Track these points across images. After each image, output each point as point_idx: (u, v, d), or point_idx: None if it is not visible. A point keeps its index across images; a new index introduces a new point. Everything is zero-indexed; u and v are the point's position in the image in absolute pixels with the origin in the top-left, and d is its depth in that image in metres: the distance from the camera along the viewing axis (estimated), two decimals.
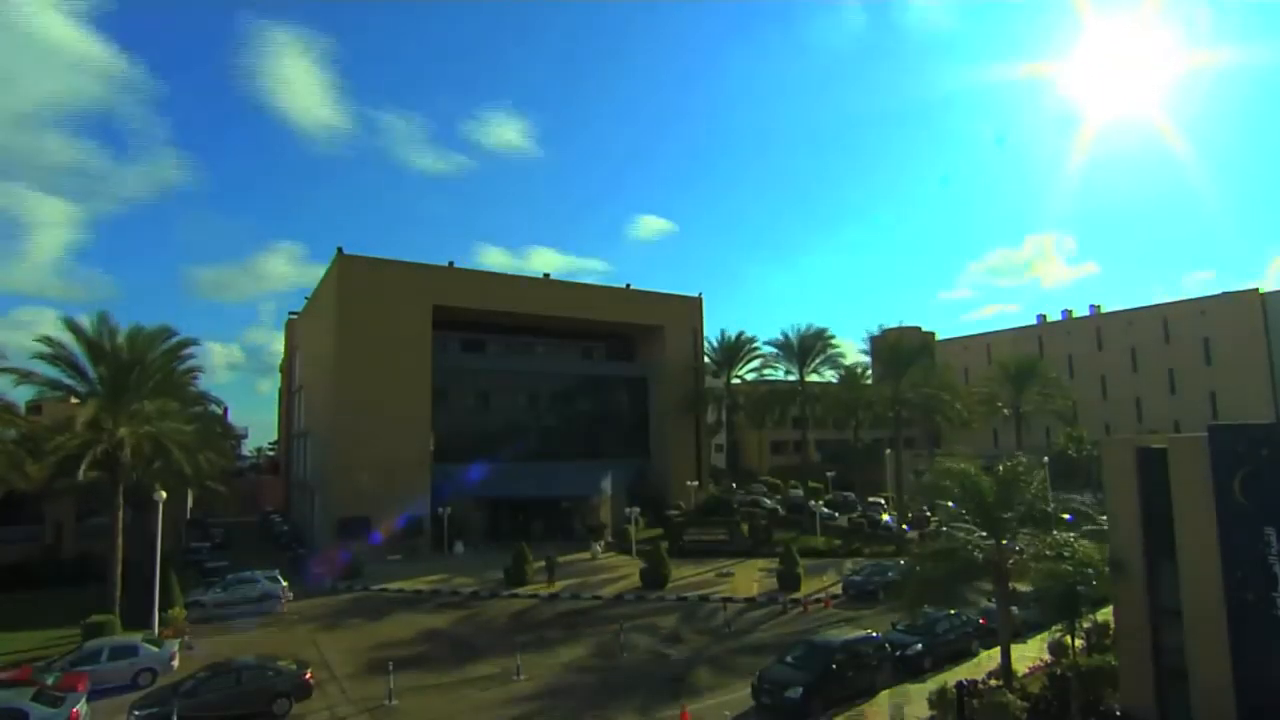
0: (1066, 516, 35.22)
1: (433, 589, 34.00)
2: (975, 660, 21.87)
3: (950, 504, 19.92)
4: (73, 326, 27.67)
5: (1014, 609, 19.44)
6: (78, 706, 17.36)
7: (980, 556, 18.00)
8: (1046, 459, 46.66)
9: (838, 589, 31.75)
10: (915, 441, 70.44)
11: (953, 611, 22.86)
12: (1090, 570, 16.02)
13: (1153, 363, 72.68)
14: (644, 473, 57.66)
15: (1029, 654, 20.84)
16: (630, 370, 61.50)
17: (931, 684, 18.44)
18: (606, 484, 49.11)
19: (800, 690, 17.84)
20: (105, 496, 27.92)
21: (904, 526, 43.93)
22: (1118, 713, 16.10)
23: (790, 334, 55.65)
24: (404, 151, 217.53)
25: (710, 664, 22.75)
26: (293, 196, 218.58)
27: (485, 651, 24.16)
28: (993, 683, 17.51)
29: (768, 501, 58.26)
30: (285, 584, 31.67)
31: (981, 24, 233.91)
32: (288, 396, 71.90)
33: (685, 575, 35.57)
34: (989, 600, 23.15)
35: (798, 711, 17.71)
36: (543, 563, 35.29)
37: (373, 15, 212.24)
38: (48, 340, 27.53)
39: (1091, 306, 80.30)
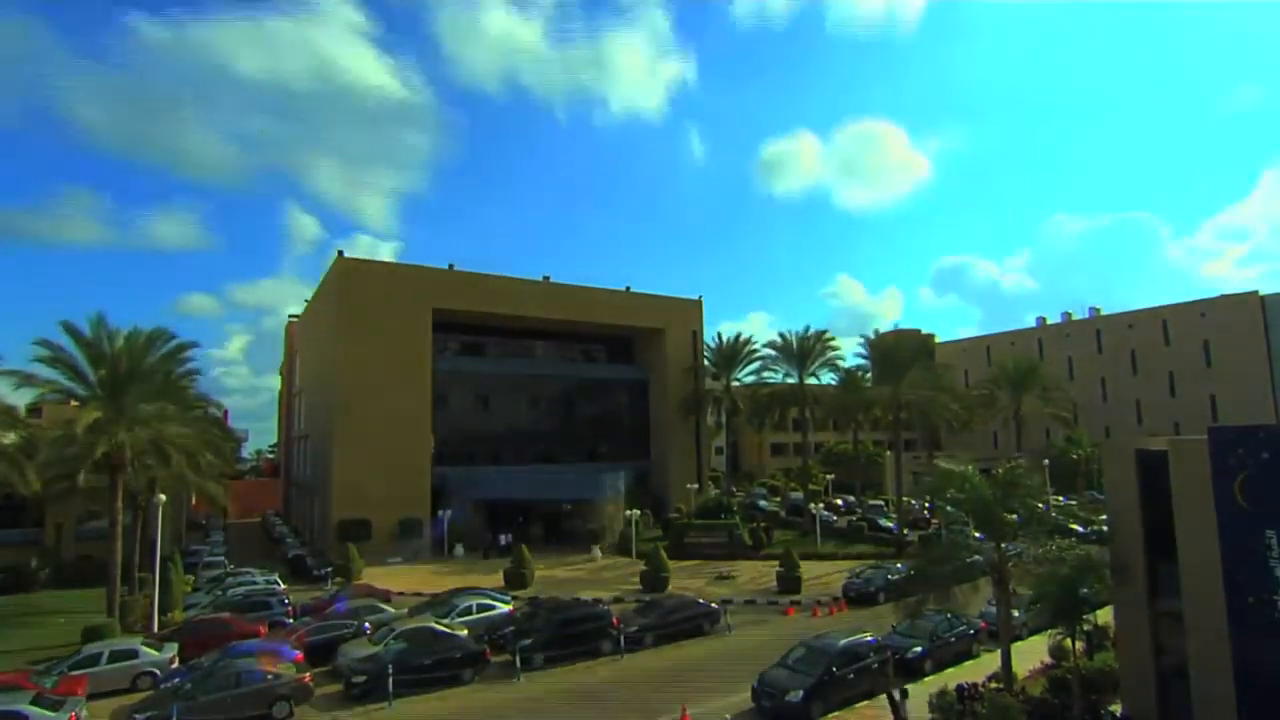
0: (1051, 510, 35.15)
1: (433, 592, 33.92)
2: (976, 662, 21.84)
3: (950, 507, 19.93)
4: (70, 329, 27.65)
5: (1015, 611, 19.42)
6: (77, 710, 17.33)
7: (980, 559, 18.00)
8: (1047, 461, 46.77)
9: (838, 591, 31.71)
10: (915, 444, 70.54)
11: (953, 614, 22.84)
12: (1091, 575, 16.01)
13: (1153, 365, 72.71)
14: (644, 475, 57.62)
15: (1030, 656, 20.81)
16: (630, 373, 61.48)
17: (932, 686, 18.42)
18: (607, 487, 49.09)
19: (800, 693, 17.81)
20: (105, 499, 27.90)
21: (904, 529, 43.86)
22: (1119, 715, 16.07)
23: (790, 336, 55.83)
24: None
25: (709, 666, 22.73)
26: None
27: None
28: (993, 685, 17.48)
29: (766, 504, 58.26)
30: (284, 586, 31.66)
31: None
32: (288, 399, 71.88)
33: (685, 577, 35.53)
34: (990, 603, 23.13)
35: (797, 714, 17.68)
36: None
37: None
38: (46, 343, 27.52)
39: (1090, 309, 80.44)
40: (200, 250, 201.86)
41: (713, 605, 27.48)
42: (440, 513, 43.89)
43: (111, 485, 26.84)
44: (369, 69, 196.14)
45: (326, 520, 43.74)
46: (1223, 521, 13.62)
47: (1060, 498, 48.42)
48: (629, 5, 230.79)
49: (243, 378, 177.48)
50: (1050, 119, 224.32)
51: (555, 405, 57.70)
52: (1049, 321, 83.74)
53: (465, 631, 23.82)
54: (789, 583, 32.52)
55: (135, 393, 27.99)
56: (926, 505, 50.74)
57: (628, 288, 58.51)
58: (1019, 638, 22.55)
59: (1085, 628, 17.84)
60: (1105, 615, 18.27)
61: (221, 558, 42.46)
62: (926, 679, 20.38)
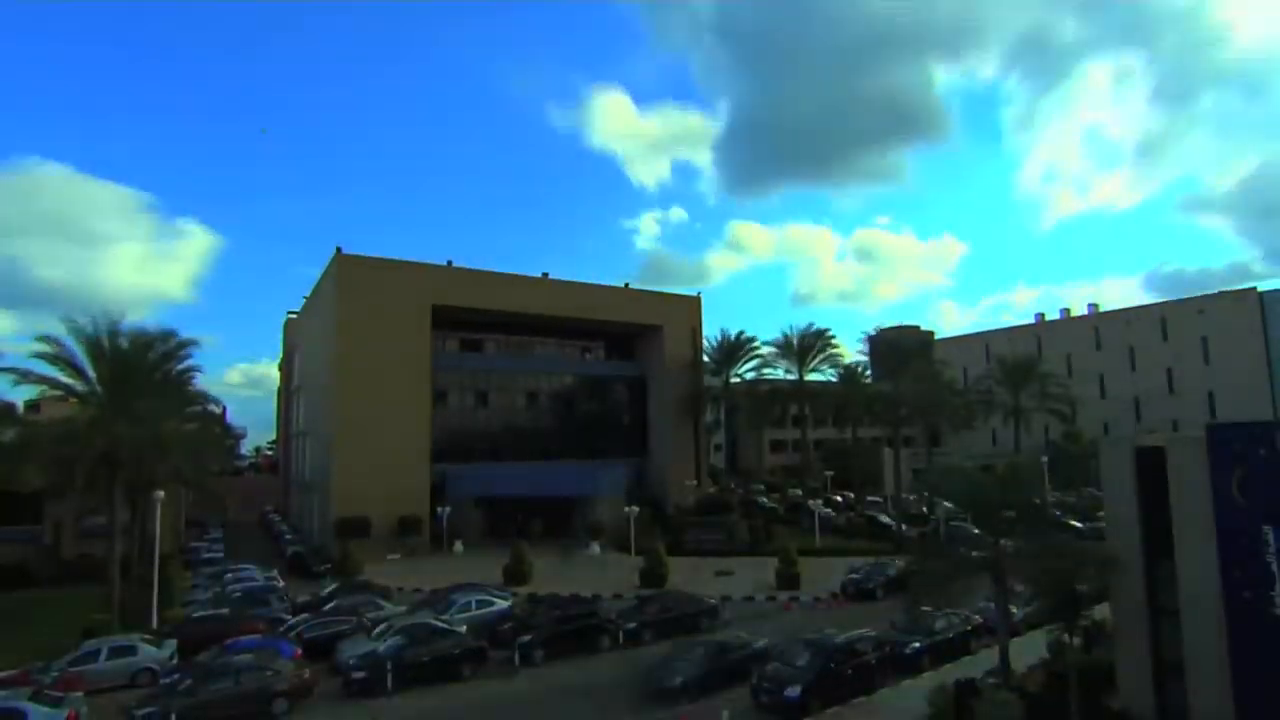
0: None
1: (432, 588, 33.94)
2: (974, 658, 21.86)
3: (949, 503, 19.97)
4: (72, 326, 27.64)
5: (1013, 608, 19.44)
6: (76, 706, 17.35)
7: (979, 555, 18.03)
8: (1045, 458, 46.77)
9: (836, 587, 31.75)
10: (914, 440, 70.53)
11: (951, 610, 22.87)
12: (1089, 571, 16.02)
13: (1151, 362, 72.76)
14: (643, 472, 57.68)
15: (1028, 652, 20.84)
16: (629, 370, 61.48)
17: (930, 682, 18.45)
18: (606, 483, 49.12)
19: (799, 689, 17.84)
20: (104, 496, 27.88)
21: (902, 525, 43.92)
22: (1116, 711, 16.11)
23: (790, 333, 55.85)
24: None
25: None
26: None
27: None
28: (991, 681, 17.50)
29: (765, 500, 58.31)
30: (283, 584, 31.70)
31: None
32: (286, 396, 71.88)
33: (684, 573, 35.54)
34: (988, 599, 23.18)
35: (795, 710, 17.72)
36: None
37: None
38: (47, 339, 27.51)
39: (1090, 305, 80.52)
40: None
41: (711, 602, 27.54)
42: (439, 509, 43.90)
43: (111, 482, 26.82)
44: None
45: (325, 517, 43.75)
46: (1220, 518, 13.64)
47: (1058, 494, 48.56)
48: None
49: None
50: None
51: (554, 402, 57.72)
52: (1047, 318, 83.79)
53: (464, 628, 23.86)
54: (788, 579, 32.55)
55: (134, 390, 27.96)
56: (924, 501, 50.87)
57: (627, 284, 58.57)
58: (1017, 634, 22.56)
59: (1083, 624, 17.89)
60: (1103, 611, 18.28)
61: (220, 554, 42.49)
62: (924, 674, 20.42)
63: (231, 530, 55.39)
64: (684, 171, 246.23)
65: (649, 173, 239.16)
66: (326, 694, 20.18)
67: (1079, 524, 38.06)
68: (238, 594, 28.92)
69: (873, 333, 62.61)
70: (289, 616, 26.73)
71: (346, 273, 45.87)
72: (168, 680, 19.85)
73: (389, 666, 20.07)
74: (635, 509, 42.94)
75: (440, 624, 23.28)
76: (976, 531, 20.08)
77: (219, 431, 42.18)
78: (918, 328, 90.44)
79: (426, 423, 46.48)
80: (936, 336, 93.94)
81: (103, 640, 22.01)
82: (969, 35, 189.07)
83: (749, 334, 59.22)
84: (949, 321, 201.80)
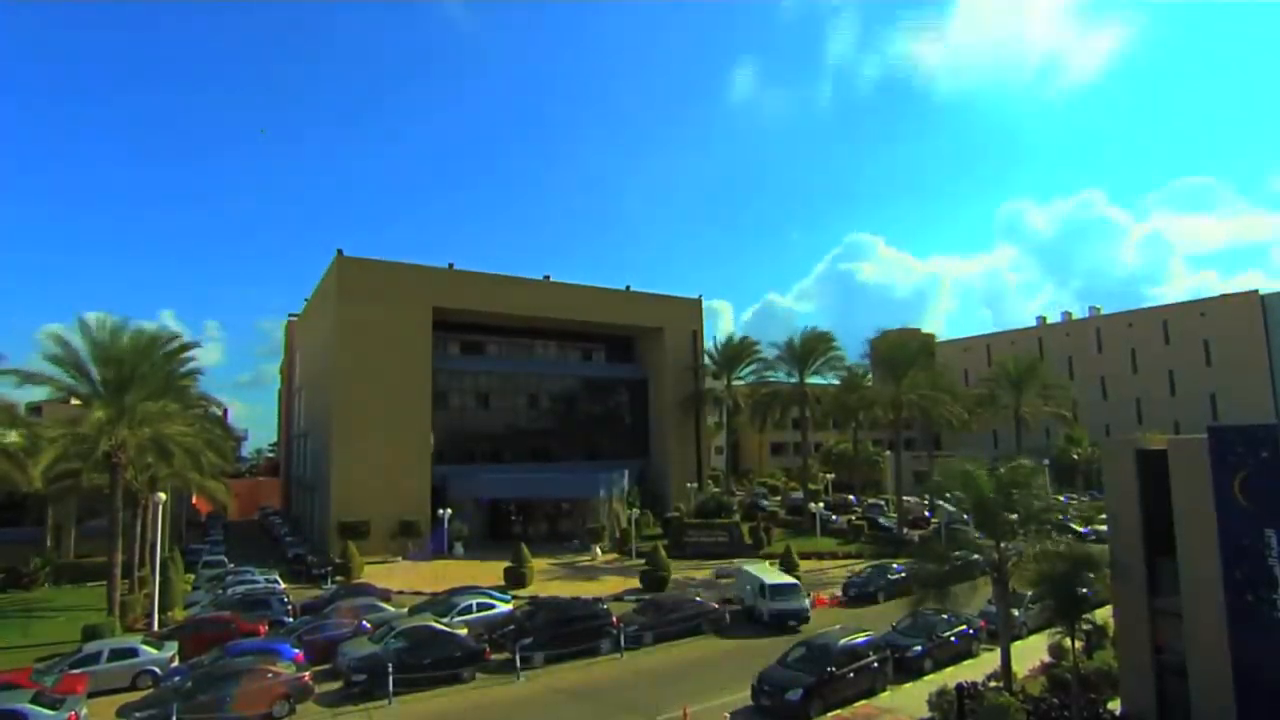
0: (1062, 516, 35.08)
1: (432, 591, 33.93)
2: (975, 661, 21.84)
3: (951, 506, 19.92)
4: (79, 328, 27.71)
5: (1014, 610, 19.39)
6: (77, 709, 17.34)
7: (980, 558, 18.02)
8: (1047, 461, 46.75)
9: (838, 590, 31.73)
10: (915, 443, 70.54)
11: (952, 613, 22.82)
12: (1090, 574, 16.01)
13: (1153, 364, 72.70)
14: (644, 474, 57.64)
15: (1029, 655, 20.82)
16: (630, 372, 61.47)
17: (932, 685, 18.42)
18: (606, 486, 49.12)
19: (800, 691, 17.81)
20: (106, 498, 27.91)
21: (904, 528, 43.88)
22: (1118, 714, 16.07)
23: (792, 337, 55.86)
24: None
25: (709, 664, 22.73)
26: None
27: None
28: (993, 684, 17.48)
29: (766, 503, 58.28)
30: (284, 585, 31.69)
31: None
32: (288, 397, 71.95)
33: (685, 574, 35.53)
34: (989, 602, 23.15)
35: (796, 713, 17.69)
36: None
37: None
38: (50, 341, 27.56)
39: (1090, 308, 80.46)
40: None
41: (712, 604, 27.50)
42: (441, 512, 43.91)
43: (113, 483, 26.85)
44: None
45: (326, 518, 43.74)
46: (1222, 520, 13.62)
47: (1062, 496, 48.43)
48: None
49: None
50: None
51: (555, 404, 57.72)
52: (1049, 321, 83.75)
53: (465, 630, 23.84)
54: None
55: (137, 392, 28.00)
56: (925, 503, 50.85)
57: (628, 287, 58.54)
58: (1018, 637, 22.56)
59: (1084, 627, 17.85)
60: (1104, 614, 18.25)
61: (221, 556, 42.44)
62: (926, 678, 20.40)
63: (232, 532, 55.41)
64: None
65: None
66: (328, 696, 20.16)
67: (1084, 529, 38.02)
68: (238, 596, 28.89)
69: (875, 335, 62.55)
70: (289, 618, 26.72)
71: (347, 274, 45.91)
72: (168, 682, 19.84)
73: (389, 669, 20.05)
74: (636, 511, 42.94)
75: (441, 627, 23.24)
76: (978, 534, 20.02)
77: (220, 433, 42.17)
78: (919, 330, 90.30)
79: (427, 425, 46.47)
80: (938, 339, 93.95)
81: (103, 642, 22.00)
82: None
83: (752, 338, 59.38)
84: None
